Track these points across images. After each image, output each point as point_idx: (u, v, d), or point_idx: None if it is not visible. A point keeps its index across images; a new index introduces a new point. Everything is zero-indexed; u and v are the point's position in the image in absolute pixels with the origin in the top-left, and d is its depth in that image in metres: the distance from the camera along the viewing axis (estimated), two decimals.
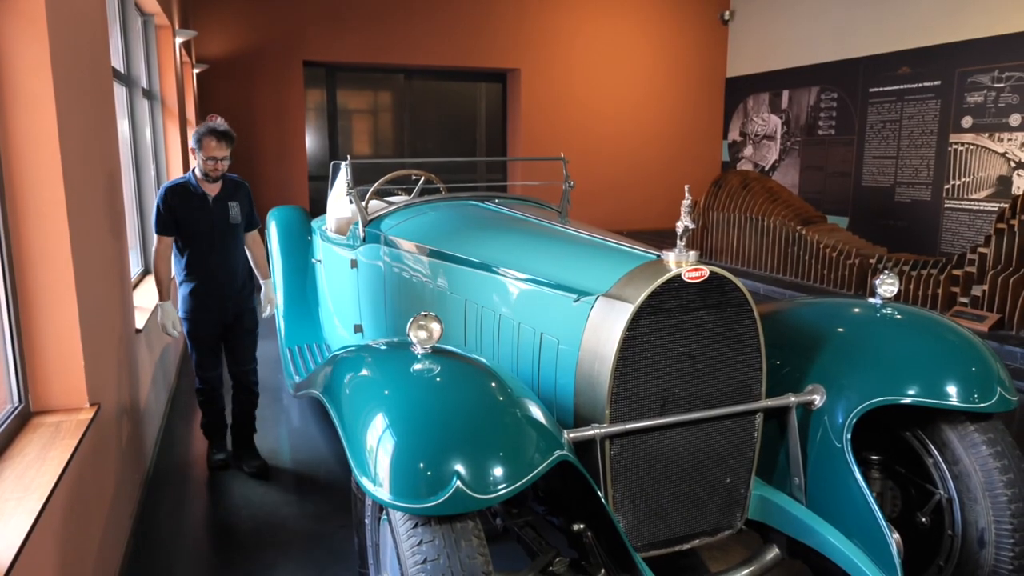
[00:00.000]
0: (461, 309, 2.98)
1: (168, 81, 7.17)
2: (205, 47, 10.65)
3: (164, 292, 3.63)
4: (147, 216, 5.59)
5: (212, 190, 3.59)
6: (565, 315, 2.32)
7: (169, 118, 7.19)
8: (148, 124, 6.12)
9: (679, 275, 2.12)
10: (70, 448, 2.18)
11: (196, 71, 10.26)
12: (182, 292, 3.65)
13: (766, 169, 12.24)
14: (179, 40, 7.59)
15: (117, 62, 5.15)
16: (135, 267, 5.15)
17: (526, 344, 2.52)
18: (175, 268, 3.66)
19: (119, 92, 5.04)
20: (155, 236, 3.56)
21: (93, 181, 2.84)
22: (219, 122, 3.55)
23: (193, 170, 3.58)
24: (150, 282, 5.15)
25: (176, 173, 7.32)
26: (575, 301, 2.29)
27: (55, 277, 2.40)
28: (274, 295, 4.31)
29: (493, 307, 2.75)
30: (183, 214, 3.52)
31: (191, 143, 3.48)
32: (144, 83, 5.99)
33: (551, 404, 2.36)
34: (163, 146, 6.88)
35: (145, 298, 4.58)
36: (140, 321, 3.87)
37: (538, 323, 2.47)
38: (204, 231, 3.57)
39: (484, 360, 2.16)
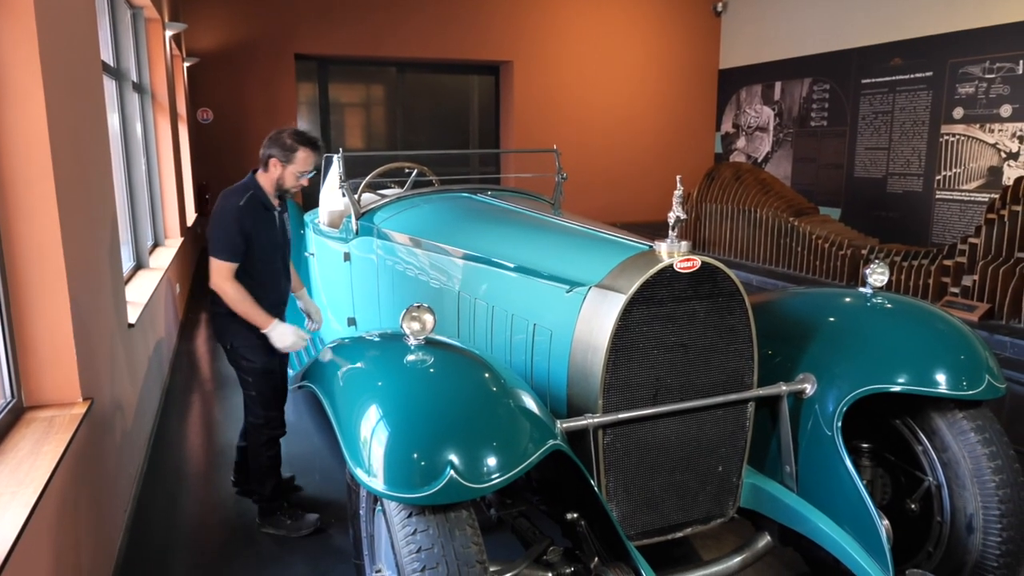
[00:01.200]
0: (454, 301, 2.99)
1: (158, 75, 7.13)
2: (195, 40, 10.59)
3: (264, 314, 2.97)
4: (138, 208, 5.57)
5: (277, 204, 3.09)
6: (558, 306, 2.34)
7: (160, 112, 7.16)
8: (139, 118, 6.09)
9: (671, 265, 2.13)
10: (64, 442, 2.18)
11: (187, 65, 10.21)
12: (241, 321, 3.00)
13: (759, 161, 12.26)
14: (169, 33, 7.55)
15: (107, 55, 5.12)
16: (127, 262, 5.14)
17: (519, 335, 2.53)
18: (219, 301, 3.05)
19: (109, 86, 5.01)
20: (217, 262, 2.92)
21: (84, 176, 2.83)
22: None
23: (256, 181, 3.02)
24: (142, 276, 5.15)
25: (168, 168, 7.29)
26: (568, 292, 2.30)
27: (47, 272, 2.39)
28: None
29: (486, 299, 2.76)
30: (256, 235, 2.97)
31: (272, 151, 2.95)
32: (134, 77, 5.95)
33: (544, 395, 2.37)
34: (154, 140, 6.85)
35: (138, 293, 4.57)
36: (133, 316, 3.86)
37: (531, 314, 2.48)
38: (271, 253, 3.06)
39: (477, 351, 2.17)
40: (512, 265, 2.68)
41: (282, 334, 2.97)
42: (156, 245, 6.69)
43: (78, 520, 2.39)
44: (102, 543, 2.70)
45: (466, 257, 2.97)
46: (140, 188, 5.71)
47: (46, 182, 2.35)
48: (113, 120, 5.10)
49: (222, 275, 2.94)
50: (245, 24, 10.85)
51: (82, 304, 2.60)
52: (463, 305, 2.92)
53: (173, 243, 6.99)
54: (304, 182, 3.04)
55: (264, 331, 2.96)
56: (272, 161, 2.96)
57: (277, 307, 3.14)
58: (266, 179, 3.02)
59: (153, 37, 7.09)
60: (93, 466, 2.64)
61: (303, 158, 2.96)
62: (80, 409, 2.44)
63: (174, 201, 7.38)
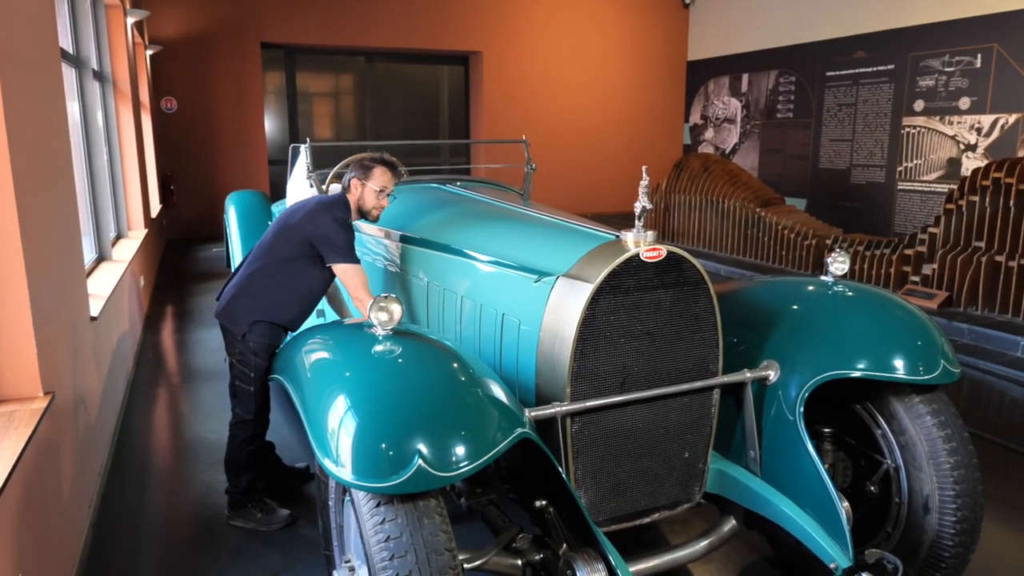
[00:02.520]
0: (423, 291, 2.98)
1: (120, 63, 6.98)
2: (158, 28, 10.37)
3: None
4: (100, 199, 5.46)
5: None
6: (526, 296, 2.35)
7: (122, 101, 7.01)
8: (100, 107, 5.96)
9: (637, 255, 2.15)
10: (24, 437, 2.14)
11: (149, 53, 10.00)
12: (274, 320, 2.96)
13: (727, 152, 12.40)
14: (131, 20, 7.39)
15: (65, 43, 5.00)
16: (89, 253, 5.04)
17: (488, 325, 2.54)
18: (287, 301, 2.98)
19: (68, 74, 4.90)
20: (352, 266, 2.87)
21: (42, 165, 2.76)
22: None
23: (342, 199, 3.04)
24: (104, 269, 5.05)
25: (130, 158, 7.15)
26: (536, 281, 2.32)
27: (4, 264, 2.34)
28: None
29: (455, 289, 2.77)
30: None
31: (352, 174, 3.02)
32: (95, 64, 5.82)
33: (513, 384, 2.39)
34: (116, 130, 6.71)
35: (99, 286, 4.49)
36: (95, 308, 3.79)
37: (499, 304, 2.49)
38: (317, 279, 3.03)
39: (446, 341, 2.18)
40: (481, 256, 2.69)
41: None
42: (119, 237, 6.57)
43: (40, 516, 2.35)
44: (66, 539, 2.66)
45: (435, 247, 2.96)
46: (102, 179, 5.59)
47: (2, 172, 2.29)
48: (73, 109, 4.99)
49: (359, 279, 2.87)
50: (209, 11, 10.66)
51: (42, 297, 2.55)
52: (432, 296, 2.92)
53: (137, 235, 6.87)
54: (384, 202, 3.07)
55: None
56: (353, 182, 3.05)
57: (297, 325, 3.09)
58: (351, 200, 3.08)
59: (114, 24, 6.93)
60: (55, 461, 2.59)
61: (380, 174, 3.04)
62: (41, 403, 2.40)
63: (137, 192, 7.24)
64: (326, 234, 2.89)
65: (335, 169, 4.34)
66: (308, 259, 2.96)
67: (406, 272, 3.13)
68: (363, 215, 3.11)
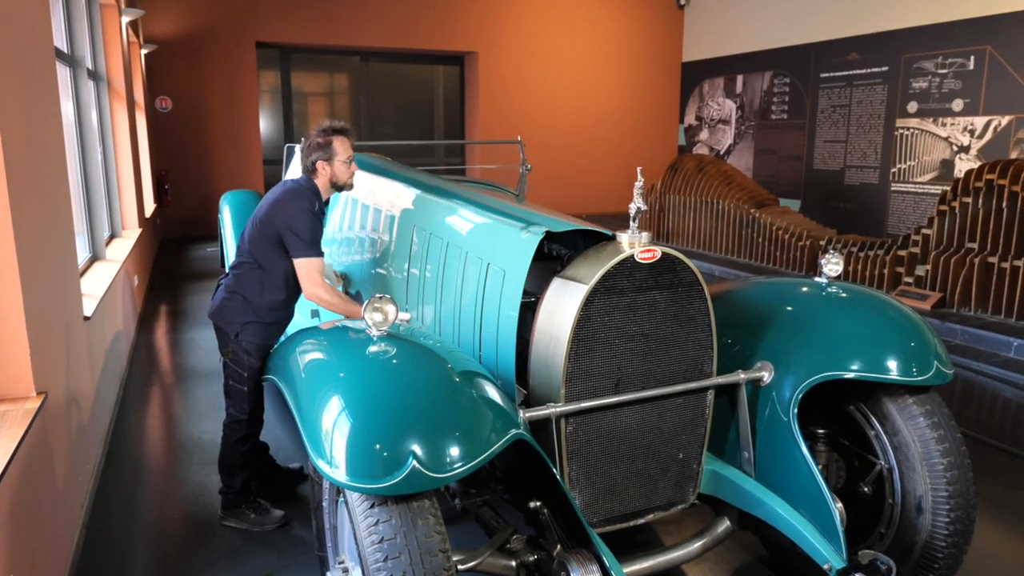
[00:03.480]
0: (409, 237, 2.97)
1: (114, 62, 6.95)
2: (153, 27, 10.34)
3: (354, 306, 2.89)
4: (94, 199, 5.44)
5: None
6: (513, 245, 2.34)
7: (116, 100, 6.98)
8: (94, 106, 5.93)
9: (632, 256, 2.15)
10: (16, 437, 2.13)
11: (144, 52, 9.97)
12: (266, 320, 2.97)
13: (721, 153, 12.43)
14: (126, 19, 7.36)
15: (60, 41, 4.98)
16: (83, 253, 5.02)
17: (472, 275, 2.52)
18: (271, 295, 2.97)
19: (62, 72, 4.88)
20: (310, 260, 2.84)
21: (36, 165, 2.75)
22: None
23: (316, 185, 3.00)
24: (98, 268, 5.03)
25: (125, 157, 7.13)
26: (524, 231, 2.31)
27: None
28: None
29: (442, 235, 2.76)
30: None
31: (313, 156, 2.96)
32: (89, 63, 5.80)
33: (494, 338, 2.37)
34: (110, 129, 6.69)
35: (93, 285, 4.47)
36: (89, 308, 3.78)
37: (485, 253, 2.47)
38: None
39: (440, 341, 2.18)
40: (471, 206, 2.71)
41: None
42: (113, 236, 6.55)
43: (32, 516, 2.34)
44: (58, 539, 2.65)
45: (427, 191, 2.99)
46: (96, 178, 5.57)
47: None
48: (67, 108, 4.97)
49: (316, 274, 2.86)
50: (204, 11, 10.63)
51: (35, 296, 2.54)
52: (418, 240, 2.91)
53: (131, 234, 6.84)
54: (353, 167, 3.05)
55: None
56: (319, 164, 2.99)
57: (288, 320, 3.11)
58: (321, 182, 3.03)
59: (109, 23, 6.91)
60: (48, 461, 2.58)
61: (339, 145, 2.99)
62: (34, 403, 2.39)
63: (132, 191, 7.22)
64: (291, 226, 2.87)
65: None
66: (285, 249, 2.95)
67: (395, 217, 3.12)
68: (339, 189, 3.08)
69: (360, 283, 3.52)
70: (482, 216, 2.61)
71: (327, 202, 3.14)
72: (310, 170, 3.02)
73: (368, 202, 3.47)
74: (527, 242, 2.27)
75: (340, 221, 3.83)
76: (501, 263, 2.39)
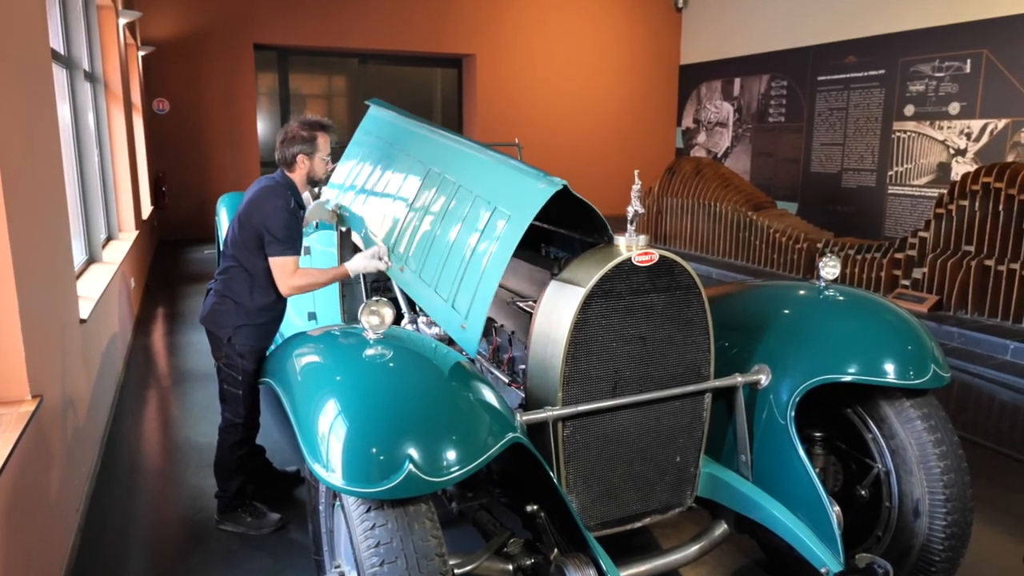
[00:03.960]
0: (420, 176, 2.98)
1: (111, 63, 6.94)
2: (151, 29, 10.33)
3: (337, 267, 3.01)
4: (91, 201, 5.43)
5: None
6: (526, 194, 2.32)
7: (113, 102, 6.97)
8: (91, 108, 5.93)
9: (629, 259, 2.15)
10: (11, 441, 2.12)
11: (141, 53, 9.97)
12: (257, 321, 2.97)
13: (719, 155, 12.44)
14: (123, 21, 7.36)
15: (56, 43, 4.97)
16: (79, 255, 5.01)
17: (475, 216, 2.52)
18: (260, 296, 2.96)
19: (59, 74, 4.87)
20: (285, 259, 2.85)
21: (32, 167, 2.74)
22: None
23: (292, 181, 2.99)
24: (94, 271, 5.02)
25: (121, 159, 7.12)
26: (540, 183, 2.29)
27: None
28: None
29: (455, 178, 2.75)
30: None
31: (294, 149, 2.93)
32: (86, 65, 5.80)
33: (477, 276, 2.35)
34: (107, 131, 6.68)
35: (89, 288, 4.46)
36: (85, 311, 3.77)
37: (495, 198, 2.46)
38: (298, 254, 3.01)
39: (437, 344, 2.17)
40: (490, 154, 2.72)
41: (357, 265, 2.99)
42: (110, 238, 6.53)
43: (28, 520, 2.33)
44: (53, 543, 2.64)
45: (446, 138, 3.01)
46: (92, 180, 5.56)
47: None
48: (64, 110, 4.96)
49: (289, 272, 2.88)
50: (202, 12, 10.63)
51: (30, 299, 2.53)
52: (428, 180, 2.91)
53: (128, 236, 6.83)
54: (330, 166, 3.06)
55: (350, 274, 3.00)
56: (299, 158, 2.96)
57: (284, 305, 3.11)
58: (297, 177, 3.00)
59: (106, 25, 6.90)
60: (43, 464, 2.57)
61: (323, 140, 2.99)
62: (29, 406, 2.38)
63: (129, 193, 7.20)
64: (267, 225, 2.86)
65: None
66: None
67: (411, 158, 3.12)
68: (313, 184, 3.07)
69: (354, 220, 3.47)
70: (502, 166, 2.60)
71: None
72: (289, 162, 2.98)
73: (386, 142, 3.46)
74: (542, 192, 2.24)
75: (352, 156, 3.85)
76: (509, 207, 2.36)
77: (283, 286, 2.91)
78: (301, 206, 3.06)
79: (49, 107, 3.22)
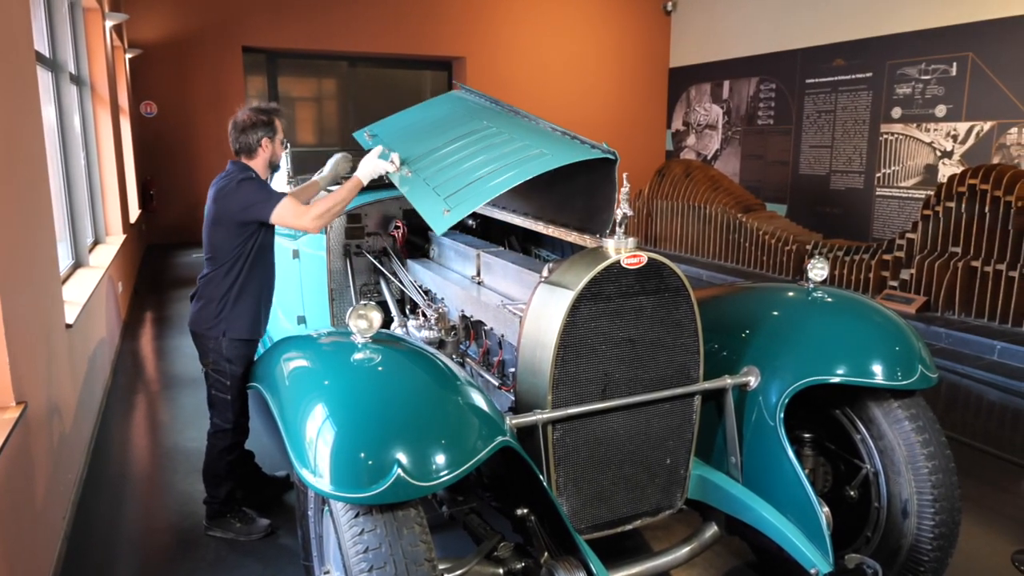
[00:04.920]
0: (474, 126, 2.96)
1: (98, 66, 6.90)
2: (138, 31, 10.27)
3: (349, 182, 2.90)
4: (77, 205, 5.39)
5: None
6: (573, 150, 2.34)
7: (100, 105, 6.92)
8: (77, 111, 5.89)
9: (618, 262, 2.15)
10: None
11: (129, 56, 9.91)
12: (243, 308, 2.94)
13: (708, 158, 12.48)
14: (109, 23, 7.31)
15: (41, 46, 4.93)
16: (65, 260, 4.96)
17: (507, 148, 2.53)
18: (242, 290, 2.94)
19: (44, 77, 4.83)
20: (283, 204, 2.80)
21: (15, 170, 2.72)
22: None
23: (252, 168, 2.96)
24: (80, 275, 4.99)
25: (109, 162, 7.07)
26: (594, 148, 2.31)
27: None
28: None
29: (507, 130, 2.74)
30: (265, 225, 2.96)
31: (257, 134, 2.91)
32: (72, 68, 5.75)
33: (486, 182, 2.37)
34: (93, 134, 6.63)
35: (75, 292, 4.42)
36: (71, 315, 3.73)
37: (540, 144, 2.46)
38: (271, 243, 3.02)
39: (427, 348, 2.16)
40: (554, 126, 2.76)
41: (366, 168, 2.90)
42: (96, 242, 6.48)
43: (12, 528, 2.30)
44: (38, 551, 2.61)
45: (514, 113, 3.05)
46: (79, 183, 5.52)
47: None
48: (49, 113, 4.92)
49: (300, 212, 2.81)
50: (190, 15, 10.57)
51: (15, 304, 2.51)
52: (480, 128, 2.89)
53: (115, 240, 6.78)
54: (286, 148, 3.08)
55: (363, 181, 2.91)
56: (263, 141, 2.94)
57: (270, 300, 3.09)
58: (259, 163, 2.98)
59: (92, 27, 6.85)
60: (28, 471, 2.54)
61: (279, 125, 3.00)
62: (13, 413, 2.35)
63: (116, 197, 7.15)
64: (245, 201, 2.82)
65: (315, 176, 4.31)
66: (251, 238, 2.90)
67: (474, 117, 3.11)
68: (273, 169, 3.06)
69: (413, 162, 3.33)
70: (559, 134, 2.63)
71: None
72: (252, 149, 2.94)
73: (450, 109, 3.46)
74: (589, 152, 2.24)
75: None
76: (550, 150, 2.38)
77: (306, 225, 2.83)
78: (260, 179, 3.00)
79: (33, 110, 3.19)
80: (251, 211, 2.83)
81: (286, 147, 3.07)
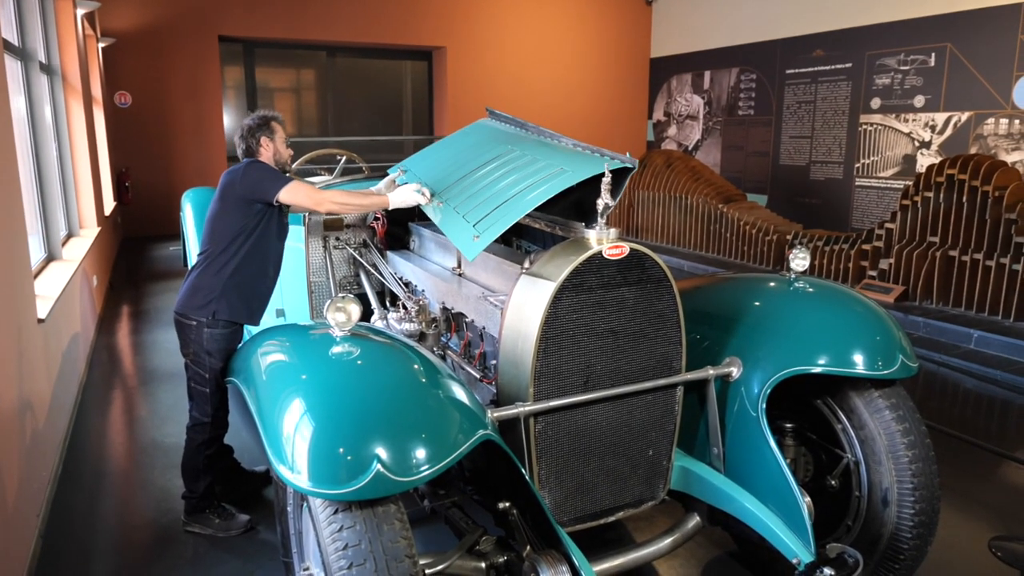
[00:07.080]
0: (498, 150, 2.98)
1: (69, 55, 6.75)
2: (110, 20, 10.07)
3: (376, 194, 3.01)
4: (49, 197, 5.28)
5: None
6: (589, 163, 2.32)
7: (72, 95, 6.78)
8: (48, 101, 5.76)
9: (600, 252, 2.13)
10: None
11: (101, 45, 9.72)
12: (236, 290, 2.90)
13: (689, 149, 12.51)
14: (81, 11, 7.16)
15: (9, 34, 4.82)
16: (37, 253, 4.87)
17: (530, 168, 2.53)
18: (225, 262, 2.90)
19: (12, 66, 4.72)
20: (292, 187, 2.84)
21: None
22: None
23: (251, 160, 3.01)
24: (53, 269, 4.89)
25: (82, 154, 6.93)
26: (610, 159, 2.30)
27: None
28: None
29: (532, 154, 2.72)
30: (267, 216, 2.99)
31: (257, 135, 2.97)
32: (42, 57, 5.62)
33: (503, 196, 2.40)
34: (66, 124, 6.49)
35: (48, 286, 4.34)
36: (43, 310, 3.65)
37: (560, 162, 2.45)
38: (275, 239, 3.03)
39: (407, 340, 2.13)
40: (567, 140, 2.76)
41: (398, 196, 2.92)
42: (70, 235, 6.37)
43: None
44: (12, 550, 2.56)
45: (538, 134, 3.05)
46: (50, 175, 5.41)
47: None
48: (18, 103, 4.81)
49: (311, 190, 2.87)
50: (164, 3, 10.38)
51: None
52: (503, 152, 2.90)
53: (89, 233, 6.66)
54: (291, 151, 3.14)
55: (390, 205, 2.94)
56: (262, 140, 3.00)
57: (266, 293, 3.06)
58: (264, 160, 3.02)
59: (63, 15, 6.70)
60: None
61: (277, 126, 3.05)
62: None
63: (90, 189, 7.02)
64: (254, 180, 2.87)
65: (294, 166, 4.26)
66: (254, 221, 2.90)
67: (489, 140, 3.16)
68: (282, 169, 3.07)
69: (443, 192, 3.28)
70: (578, 150, 2.62)
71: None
72: (254, 150, 3.00)
73: (476, 137, 3.49)
74: (602, 164, 2.22)
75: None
76: (569, 166, 2.37)
77: (319, 205, 2.88)
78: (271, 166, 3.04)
79: (1, 100, 3.11)
80: (259, 189, 2.86)
81: (288, 148, 3.11)
